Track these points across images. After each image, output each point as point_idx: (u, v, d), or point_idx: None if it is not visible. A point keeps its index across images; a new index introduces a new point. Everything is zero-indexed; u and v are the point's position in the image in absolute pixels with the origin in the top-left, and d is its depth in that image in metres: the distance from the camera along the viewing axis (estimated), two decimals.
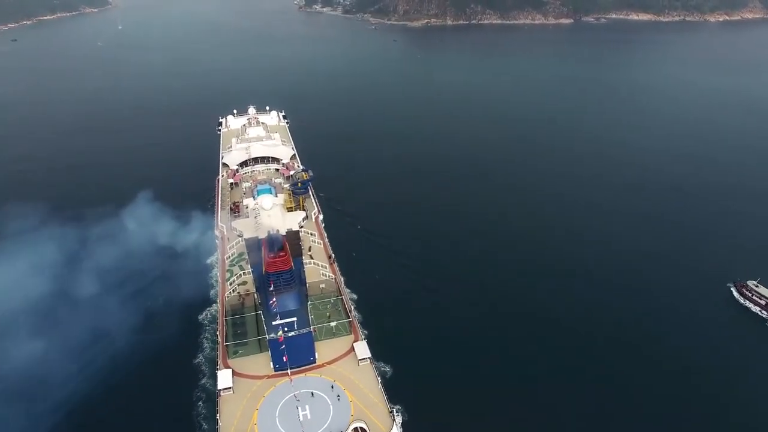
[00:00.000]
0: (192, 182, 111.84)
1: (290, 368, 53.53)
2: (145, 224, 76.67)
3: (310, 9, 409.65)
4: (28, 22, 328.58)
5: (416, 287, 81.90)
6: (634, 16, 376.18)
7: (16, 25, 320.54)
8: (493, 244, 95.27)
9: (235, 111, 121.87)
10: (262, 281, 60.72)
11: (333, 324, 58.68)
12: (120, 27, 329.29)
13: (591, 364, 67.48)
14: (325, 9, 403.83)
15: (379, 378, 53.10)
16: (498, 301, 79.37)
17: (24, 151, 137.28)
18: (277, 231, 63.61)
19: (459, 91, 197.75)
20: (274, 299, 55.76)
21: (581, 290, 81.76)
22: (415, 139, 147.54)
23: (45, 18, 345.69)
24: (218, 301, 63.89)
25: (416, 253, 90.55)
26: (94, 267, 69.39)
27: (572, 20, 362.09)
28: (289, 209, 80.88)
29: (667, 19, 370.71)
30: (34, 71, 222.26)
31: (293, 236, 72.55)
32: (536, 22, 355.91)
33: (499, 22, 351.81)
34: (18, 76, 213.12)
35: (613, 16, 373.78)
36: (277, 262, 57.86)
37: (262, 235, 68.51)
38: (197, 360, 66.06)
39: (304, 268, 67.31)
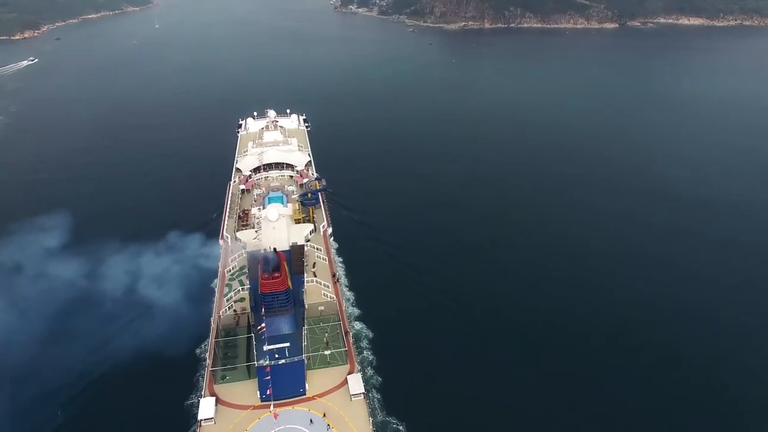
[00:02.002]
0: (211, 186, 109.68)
1: (279, 399, 49.69)
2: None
3: (345, 9, 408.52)
4: (74, 21, 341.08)
5: (433, 310, 74.13)
6: (684, 21, 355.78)
7: (63, 23, 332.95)
8: (536, 267, 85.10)
9: (255, 113, 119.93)
10: (257, 301, 57.23)
11: (328, 353, 54.42)
12: (157, 26, 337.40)
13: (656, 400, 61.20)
14: (360, 10, 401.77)
15: (371, 418, 48.55)
16: (548, 346, 68.22)
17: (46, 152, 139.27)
18: (273, 249, 59.89)
19: (495, 100, 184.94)
20: (263, 324, 51.96)
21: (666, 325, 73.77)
22: (444, 149, 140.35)
23: (90, 17, 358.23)
24: (212, 318, 60.66)
25: (437, 272, 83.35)
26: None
27: (617, 25, 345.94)
28: (297, 221, 77.18)
29: (722, 24, 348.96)
30: (69, 71, 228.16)
31: (297, 251, 68.89)
32: (578, 26, 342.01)
33: (538, 26, 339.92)
34: (53, 76, 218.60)
35: (662, 20, 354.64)
36: (272, 283, 54.14)
37: (267, 248, 65.31)
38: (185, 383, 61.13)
39: (304, 287, 63.48)
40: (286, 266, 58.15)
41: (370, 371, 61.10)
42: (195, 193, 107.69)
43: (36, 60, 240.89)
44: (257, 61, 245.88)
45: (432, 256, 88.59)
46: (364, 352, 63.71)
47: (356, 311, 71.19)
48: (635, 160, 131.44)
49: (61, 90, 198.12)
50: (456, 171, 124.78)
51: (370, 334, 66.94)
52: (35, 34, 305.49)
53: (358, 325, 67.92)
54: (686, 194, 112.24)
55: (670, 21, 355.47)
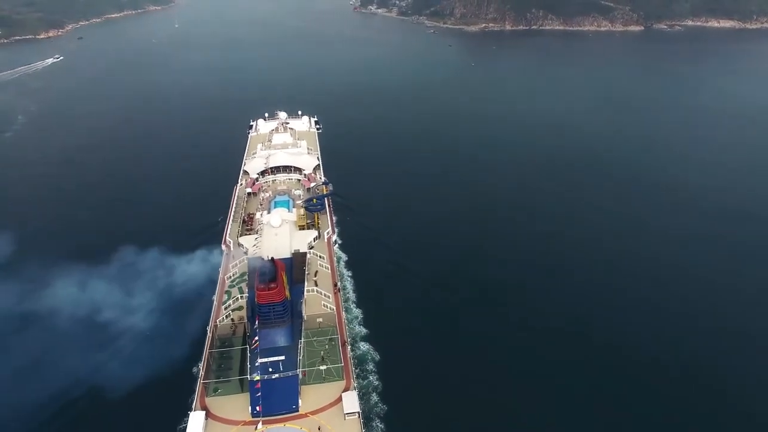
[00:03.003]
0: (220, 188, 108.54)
1: (271, 415, 47.88)
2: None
3: (365, 10, 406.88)
4: (98, 20, 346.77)
5: (449, 336, 68.33)
6: (714, 23, 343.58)
7: (86, 22, 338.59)
8: (556, 281, 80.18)
9: (266, 114, 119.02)
10: (254, 310, 55.50)
11: (323, 368, 52.33)
12: (176, 25, 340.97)
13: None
14: (380, 10, 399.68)
15: None
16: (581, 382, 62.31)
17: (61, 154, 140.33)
18: (271, 258, 58.09)
19: (512, 105, 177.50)
20: (256, 339, 50.14)
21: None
22: (457, 154, 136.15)
23: (112, 16, 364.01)
24: (209, 327, 59.09)
25: (457, 291, 77.49)
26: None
27: (642, 27, 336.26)
28: (302, 227, 75.41)
29: (754, 26, 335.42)
30: (88, 70, 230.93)
31: (299, 259, 67.32)
32: (602, 29, 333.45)
33: (561, 28, 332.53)
34: (73, 75, 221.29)
35: (689, 23, 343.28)
36: (268, 294, 52.35)
37: (266, 256, 63.64)
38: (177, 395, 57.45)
39: (304, 297, 61.66)
40: (284, 276, 56.40)
41: (374, 397, 56.94)
42: (203, 195, 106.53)
43: (61, 58, 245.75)
44: (274, 62, 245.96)
45: (452, 272, 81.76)
46: (370, 376, 59.78)
47: (363, 330, 66.81)
48: (663, 169, 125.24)
49: (79, 89, 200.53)
50: (477, 178, 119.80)
51: (377, 357, 62.71)
52: (59, 33, 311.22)
53: (364, 346, 63.80)
54: (720, 205, 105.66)
55: (699, 24, 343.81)
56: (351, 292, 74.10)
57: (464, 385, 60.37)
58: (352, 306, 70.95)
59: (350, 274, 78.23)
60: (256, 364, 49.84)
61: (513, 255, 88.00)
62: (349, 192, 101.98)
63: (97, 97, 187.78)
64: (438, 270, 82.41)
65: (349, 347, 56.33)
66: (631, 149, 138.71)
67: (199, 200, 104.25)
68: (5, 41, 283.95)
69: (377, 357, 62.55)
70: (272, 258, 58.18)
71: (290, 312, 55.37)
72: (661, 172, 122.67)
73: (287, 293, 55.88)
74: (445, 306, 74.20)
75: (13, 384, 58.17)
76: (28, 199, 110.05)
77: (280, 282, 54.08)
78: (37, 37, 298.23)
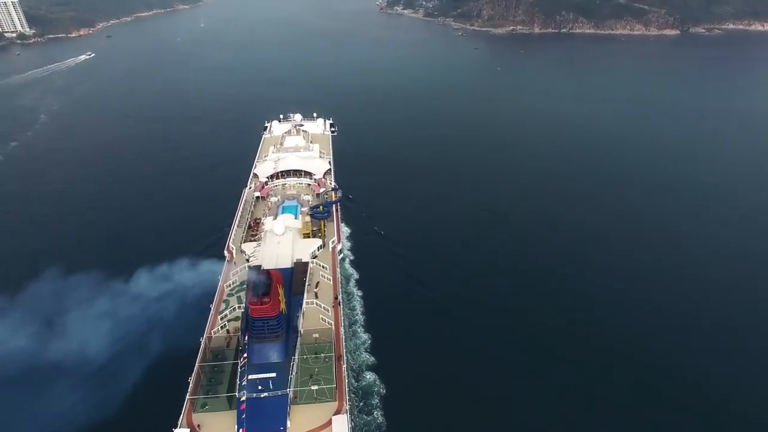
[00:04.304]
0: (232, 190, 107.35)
1: None
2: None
3: (391, 11, 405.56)
4: (128, 19, 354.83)
5: (463, 360, 62.25)
6: (758, 27, 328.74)
7: (117, 21, 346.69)
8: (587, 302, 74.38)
9: (281, 116, 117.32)
10: (248, 323, 53.18)
11: (315, 388, 49.52)
12: (202, 24, 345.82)
13: None
14: (406, 11, 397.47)
15: None
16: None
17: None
18: (266, 271, 55.58)
19: (538, 113, 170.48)
20: (245, 356, 47.74)
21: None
22: (481, 162, 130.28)
23: (142, 15, 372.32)
24: (202, 337, 57.02)
25: (472, 309, 72.10)
26: None
27: (678, 31, 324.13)
28: (306, 235, 72.87)
29: None
30: (115, 68, 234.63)
31: (300, 269, 64.73)
32: (635, 32, 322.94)
33: (592, 31, 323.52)
34: (97, 75, 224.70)
35: (730, 26, 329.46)
36: (261, 309, 49.89)
37: (267, 265, 61.38)
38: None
39: (302, 309, 59.05)
40: (279, 289, 53.85)
41: None
42: (214, 197, 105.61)
43: (93, 54, 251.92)
44: (295, 61, 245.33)
45: (477, 292, 74.73)
46: (374, 412, 55.68)
47: (370, 359, 61.72)
48: (706, 180, 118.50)
49: (100, 89, 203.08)
50: (501, 187, 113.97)
51: (383, 390, 57.41)
52: (90, 31, 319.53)
53: (369, 376, 59.19)
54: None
55: (741, 27, 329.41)
56: (359, 314, 69.44)
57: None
58: (359, 330, 66.29)
59: (360, 294, 73.70)
60: (244, 382, 47.40)
61: (556, 282, 78.72)
62: (364, 198, 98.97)
63: (117, 97, 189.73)
64: (460, 290, 75.28)
65: (344, 365, 53.39)
66: (681, 161, 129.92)
67: (211, 202, 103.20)
68: (39, 40, 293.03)
69: (383, 390, 57.63)
70: (267, 270, 55.66)
71: (285, 326, 52.81)
72: (711, 187, 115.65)
73: (283, 306, 53.31)
74: (466, 335, 66.62)
75: None
76: (39, 200, 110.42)
77: (275, 295, 51.46)
78: (69, 35, 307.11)
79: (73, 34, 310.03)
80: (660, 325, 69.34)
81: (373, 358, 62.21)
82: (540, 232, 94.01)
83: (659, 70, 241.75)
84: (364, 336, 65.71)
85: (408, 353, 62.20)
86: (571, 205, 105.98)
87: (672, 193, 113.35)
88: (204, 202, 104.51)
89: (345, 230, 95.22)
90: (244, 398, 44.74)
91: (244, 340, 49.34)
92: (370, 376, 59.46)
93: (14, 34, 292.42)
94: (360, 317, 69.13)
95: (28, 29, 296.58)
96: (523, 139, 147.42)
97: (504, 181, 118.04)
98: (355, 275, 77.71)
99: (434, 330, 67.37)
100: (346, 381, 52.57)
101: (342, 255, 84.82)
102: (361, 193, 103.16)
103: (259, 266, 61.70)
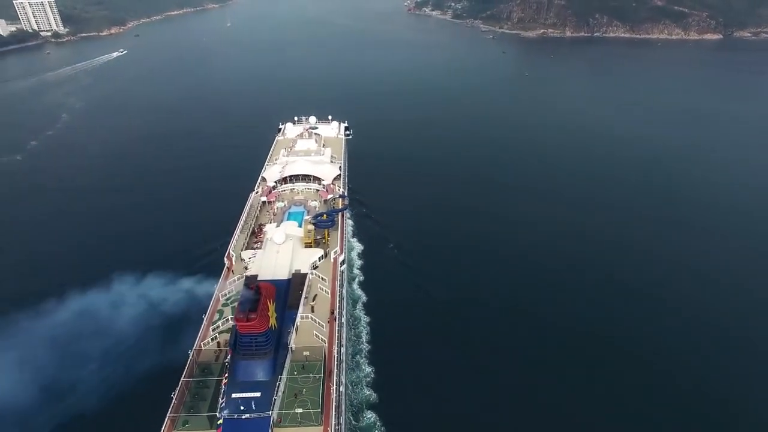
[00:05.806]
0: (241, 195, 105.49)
1: None
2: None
3: (419, 12, 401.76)
4: (158, 18, 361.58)
5: (479, 409, 55.27)
6: None
7: (147, 20, 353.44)
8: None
9: (296, 118, 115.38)
10: (236, 338, 50.71)
11: (300, 411, 46.62)
12: (228, 24, 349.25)
13: None
14: (434, 12, 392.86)
15: None
16: None
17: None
18: (255, 286, 52.95)
19: (567, 125, 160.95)
20: (226, 375, 45.27)
21: None
22: (494, 174, 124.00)
23: (172, 13, 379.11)
24: (191, 350, 54.83)
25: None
26: None
27: (720, 36, 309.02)
28: (308, 244, 70.17)
29: None
30: (142, 66, 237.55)
31: (297, 281, 61.90)
32: (673, 37, 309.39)
33: (627, 36, 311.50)
34: (121, 73, 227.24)
35: None
36: (247, 325, 47.37)
37: (264, 276, 59.00)
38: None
39: (295, 325, 56.26)
40: (270, 304, 51.18)
41: None
42: (224, 199, 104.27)
43: (125, 51, 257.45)
44: (318, 61, 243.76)
45: (501, 323, 67.82)
46: None
47: (372, 395, 56.65)
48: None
49: (123, 89, 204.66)
50: (524, 198, 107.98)
51: None
52: (120, 30, 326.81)
53: (369, 417, 54.36)
54: None
55: None
56: (364, 342, 64.59)
57: None
58: (362, 361, 61.59)
59: (367, 320, 68.65)
60: (224, 401, 44.90)
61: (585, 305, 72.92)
62: (379, 206, 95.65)
63: (138, 96, 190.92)
64: (483, 329, 66.93)
65: (333, 387, 50.34)
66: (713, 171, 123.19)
67: (219, 207, 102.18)
68: (72, 38, 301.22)
69: None
70: (257, 284, 53.02)
71: (275, 343, 50.06)
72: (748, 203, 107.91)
73: (273, 322, 50.57)
74: (486, 378, 58.37)
75: None
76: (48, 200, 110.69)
77: (264, 311, 48.76)
78: (100, 34, 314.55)
79: (104, 33, 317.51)
80: (676, 328, 67.34)
81: (375, 395, 56.74)
82: (586, 250, 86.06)
83: (698, 77, 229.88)
84: (368, 369, 60.48)
85: (417, 393, 55.59)
86: (623, 220, 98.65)
87: (703, 202, 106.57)
88: (213, 202, 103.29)
89: (357, 246, 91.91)
90: (221, 421, 42.27)
91: (227, 357, 46.96)
92: (370, 417, 54.39)
93: (49, 33, 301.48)
94: (365, 346, 64.03)
95: (62, 28, 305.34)
96: (548, 148, 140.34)
97: (527, 195, 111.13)
98: (364, 298, 72.57)
99: (449, 367, 59.81)
100: (335, 404, 49.49)
101: (352, 274, 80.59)
102: (377, 201, 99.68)
103: (255, 276, 59.32)
